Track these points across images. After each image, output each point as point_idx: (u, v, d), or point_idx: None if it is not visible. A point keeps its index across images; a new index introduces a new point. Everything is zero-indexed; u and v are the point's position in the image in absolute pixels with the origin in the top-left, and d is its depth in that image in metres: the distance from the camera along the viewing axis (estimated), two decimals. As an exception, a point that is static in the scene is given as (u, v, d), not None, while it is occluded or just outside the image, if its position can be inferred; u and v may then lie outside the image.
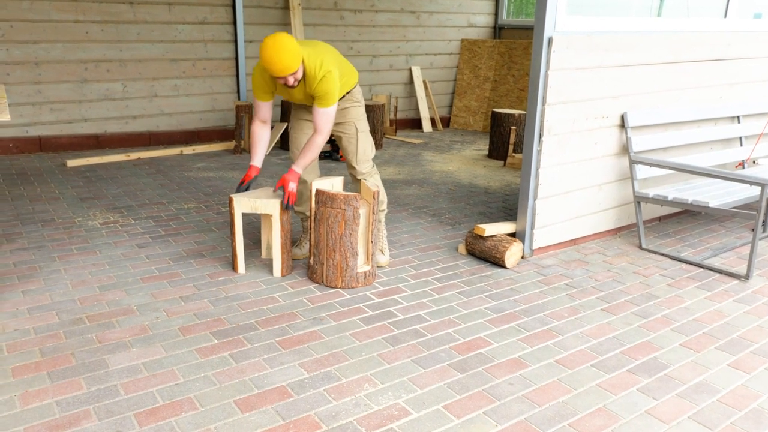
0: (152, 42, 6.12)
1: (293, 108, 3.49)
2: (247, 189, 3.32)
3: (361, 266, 3.25)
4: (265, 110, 3.31)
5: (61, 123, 5.89)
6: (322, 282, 3.23)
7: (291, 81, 3.05)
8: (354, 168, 3.48)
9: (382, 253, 3.54)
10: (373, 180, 3.51)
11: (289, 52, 2.93)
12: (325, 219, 3.11)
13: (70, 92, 5.86)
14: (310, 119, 3.40)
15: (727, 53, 4.40)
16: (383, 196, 3.59)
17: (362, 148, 3.44)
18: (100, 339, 2.63)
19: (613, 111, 3.86)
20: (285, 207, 3.19)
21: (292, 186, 3.19)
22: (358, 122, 3.42)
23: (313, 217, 3.23)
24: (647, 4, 4.48)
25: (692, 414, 2.28)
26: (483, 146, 7.05)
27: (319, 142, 3.19)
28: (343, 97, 3.35)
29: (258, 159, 3.35)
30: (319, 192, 3.13)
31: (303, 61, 3.08)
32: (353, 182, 3.58)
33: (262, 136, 3.34)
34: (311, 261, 3.29)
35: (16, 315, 2.80)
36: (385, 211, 3.65)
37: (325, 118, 3.15)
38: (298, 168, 3.23)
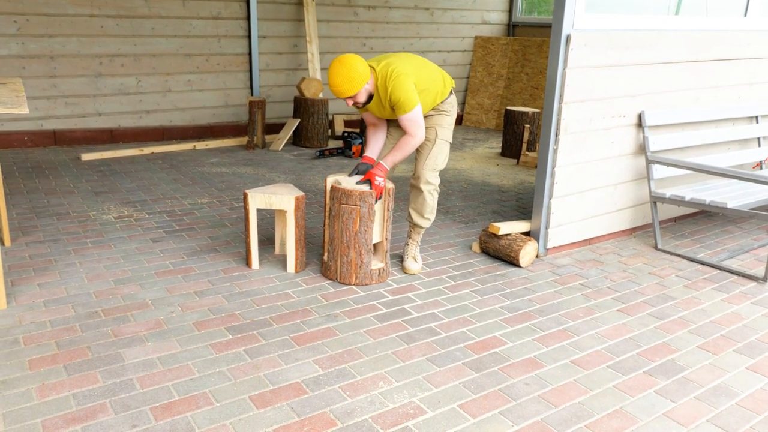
0: (166, 37, 6.14)
1: (389, 132, 3.42)
2: (361, 172, 3.23)
3: (376, 263, 3.24)
4: (368, 115, 3.30)
5: (76, 117, 5.92)
6: (336, 278, 3.23)
7: (350, 103, 3.07)
8: (418, 174, 3.30)
9: (415, 260, 3.45)
10: (431, 197, 3.33)
11: (348, 78, 2.93)
12: (339, 215, 3.11)
13: (84, 86, 5.88)
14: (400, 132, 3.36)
15: (747, 52, 4.34)
16: (431, 215, 3.39)
17: (435, 154, 3.27)
18: (116, 333, 2.63)
19: (630, 110, 3.83)
20: (375, 201, 3.10)
21: (379, 180, 3.10)
22: (441, 129, 3.29)
23: (327, 214, 3.23)
24: (665, 3, 4.43)
25: (711, 417, 2.26)
26: (496, 144, 7.02)
27: (411, 143, 3.11)
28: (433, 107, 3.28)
29: (369, 152, 3.30)
30: (334, 188, 3.12)
31: (375, 79, 3.05)
32: (411, 190, 3.39)
33: (373, 135, 3.32)
34: (325, 257, 3.29)
35: (33, 308, 2.81)
36: (425, 229, 3.46)
37: (409, 122, 3.09)
38: (386, 164, 3.14)
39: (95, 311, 2.81)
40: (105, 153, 5.58)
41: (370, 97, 3.11)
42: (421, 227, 3.45)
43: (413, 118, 3.07)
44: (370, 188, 3.08)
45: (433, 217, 3.44)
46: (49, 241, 3.59)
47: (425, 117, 3.25)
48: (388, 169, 3.16)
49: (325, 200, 3.24)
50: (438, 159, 3.30)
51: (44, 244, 3.55)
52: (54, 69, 5.70)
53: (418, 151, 3.33)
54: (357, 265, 3.15)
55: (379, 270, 3.23)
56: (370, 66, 3.08)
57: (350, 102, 3.05)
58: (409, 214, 3.45)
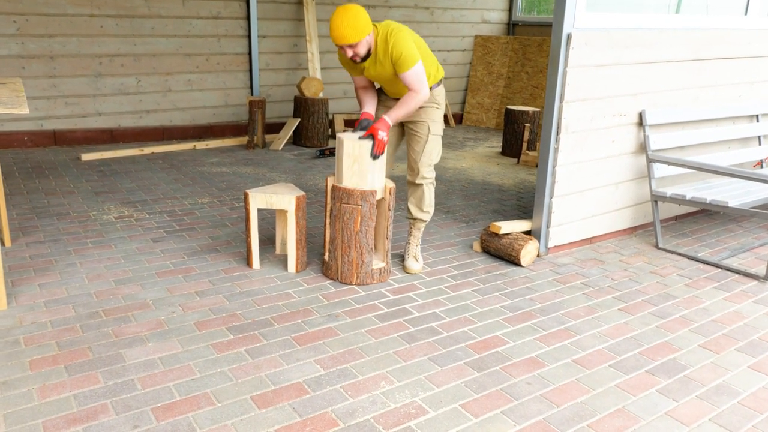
0: (166, 36, 6.13)
1: (377, 109, 3.40)
2: (364, 128, 3.20)
3: (377, 263, 3.24)
4: (360, 79, 3.28)
5: (76, 117, 5.92)
6: (337, 278, 3.22)
7: (350, 53, 3.02)
8: (414, 170, 3.33)
9: (416, 260, 3.44)
10: (429, 189, 3.39)
11: (352, 24, 2.91)
12: (341, 215, 3.10)
13: (84, 86, 5.88)
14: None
15: (747, 51, 4.34)
16: (430, 208, 3.44)
17: (429, 150, 3.29)
18: (117, 333, 2.63)
19: (631, 109, 3.82)
20: (373, 156, 3.06)
21: (382, 134, 3.07)
22: (433, 124, 3.29)
23: (328, 213, 3.22)
24: (665, 2, 4.42)
25: (713, 416, 2.26)
26: (496, 143, 7.01)
27: (417, 99, 3.08)
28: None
29: (367, 107, 3.28)
30: (335, 188, 3.12)
31: (375, 36, 3.04)
32: (408, 187, 3.42)
33: (366, 94, 3.30)
34: (326, 257, 3.29)
35: (33, 308, 2.81)
36: (427, 222, 3.50)
37: (413, 78, 3.05)
38: (389, 119, 3.10)
39: (96, 311, 2.80)
40: (105, 153, 5.58)
41: (368, 55, 3.09)
42: (422, 221, 3.46)
43: (416, 73, 3.05)
44: (373, 142, 3.06)
45: (432, 210, 3.46)
46: (49, 242, 3.59)
47: (419, 108, 3.24)
48: (391, 124, 3.13)
49: (326, 199, 3.24)
50: (432, 154, 3.33)
51: (44, 244, 3.55)
52: (54, 69, 5.70)
53: (411, 147, 3.34)
54: (358, 264, 3.15)
55: (380, 269, 3.22)
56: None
57: (350, 52, 3.01)
58: (408, 210, 3.46)
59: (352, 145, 3.05)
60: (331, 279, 3.25)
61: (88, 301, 2.90)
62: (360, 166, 3.06)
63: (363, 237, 3.11)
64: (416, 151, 3.32)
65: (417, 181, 3.35)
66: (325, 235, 3.29)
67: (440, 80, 3.30)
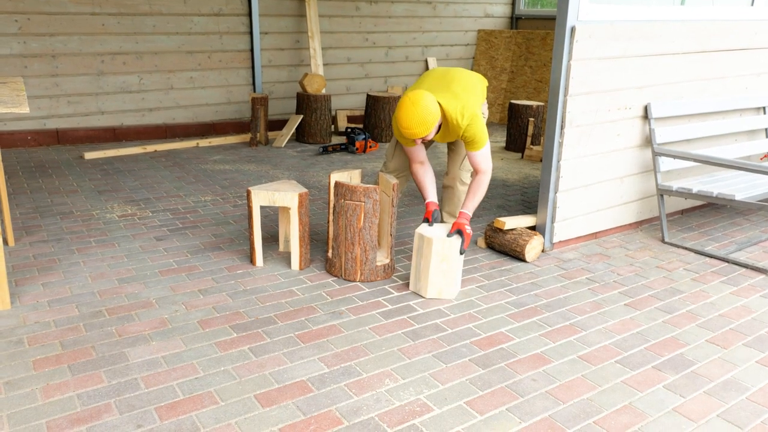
0: (168, 34, 6.11)
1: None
2: (435, 219, 3.15)
3: (381, 259, 3.22)
4: (418, 152, 3.19)
5: (78, 116, 5.91)
6: (341, 275, 3.21)
7: (419, 142, 3.04)
8: (454, 175, 3.40)
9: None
10: (464, 188, 3.45)
11: (423, 119, 2.84)
12: (344, 212, 3.08)
13: (87, 85, 5.87)
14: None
15: (754, 42, 4.29)
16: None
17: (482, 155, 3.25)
18: (120, 332, 2.62)
19: (636, 102, 3.79)
20: (461, 252, 2.99)
21: (469, 229, 3.03)
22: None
23: (331, 210, 3.20)
24: (670, -7, 4.38)
25: (721, 412, 2.23)
26: (500, 138, 6.98)
27: (484, 181, 3.09)
28: None
29: (431, 194, 3.22)
30: (338, 184, 3.10)
31: (443, 112, 2.98)
32: (444, 190, 3.53)
33: (425, 175, 3.24)
34: (329, 254, 3.27)
35: (37, 307, 2.80)
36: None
37: (482, 158, 3.07)
38: (469, 211, 3.08)
39: (99, 310, 2.80)
40: (108, 151, 5.57)
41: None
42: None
43: (485, 154, 3.08)
44: (462, 238, 2.99)
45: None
46: (52, 241, 3.58)
47: None
48: (471, 215, 3.09)
49: (329, 197, 3.22)
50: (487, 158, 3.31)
51: (48, 243, 3.54)
52: (56, 68, 5.69)
53: (452, 150, 3.40)
54: (362, 261, 3.13)
55: (384, 266, 3.20)
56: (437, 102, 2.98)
57: (419, 141, 3.01)
58: (443, 219, 3.56)
59: (441, 244, 2.93)
60: (335, 276, 3.24)
61: (91, 300, 2.90)
62: (448, 264, 2.97)
63: (366, 234, 3.09)
64: (458, 155, 3.40)
65: (456, 185, 3.48)
66: (328, 233, 3.28)
67: (485, 94, 3.29)
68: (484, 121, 3.19)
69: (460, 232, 3.00)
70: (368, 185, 3.04)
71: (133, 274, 3.18)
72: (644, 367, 2.50)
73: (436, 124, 2.93)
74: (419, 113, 2.84)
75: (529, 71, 7.75)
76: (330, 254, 3.26)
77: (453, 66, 8.04)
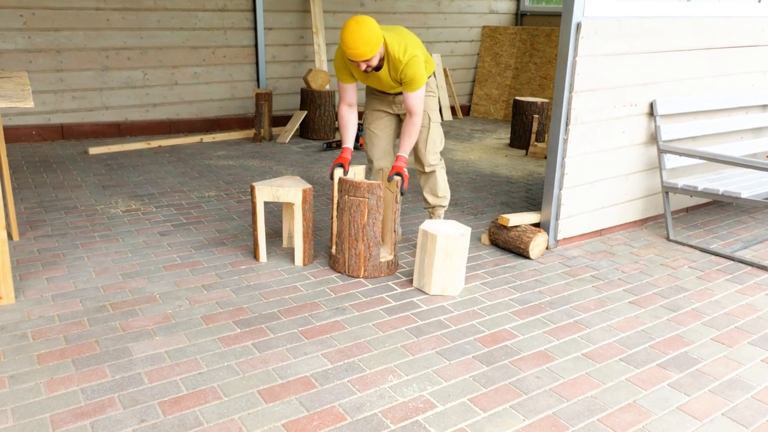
0: (172, 29, 6.11)
1: (369, 101, 3.46)
2: (346, 174, 3.24)
3: (384, 255, 3.22)
4: (350, 93, 3.30)
5: (83, 111, 5.92)
6: (345, 271, 3.20)
7: (363, 66, 3.03)
8: (421, 160, 3.46)
9: None
10: (440, 174, 3.52)
11: (368, 39, 2.91)
12: (347, 208, 3.08)
13: (91, 80, 5.87)
14: (387, 111, 3.42)
15: (761, 39, 4.26)
16: (446, 192, 3.59)
17: (433, 139, 3.41)
18: (124, 327, 2.62)
19: (641, 99, 3.77)
20: (402, 193, 3.17)
21: (406, 170, 3.20)
22: (432, 112, 3.40)
23: (335, 206, 3.20)
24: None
25: (726, 411, 2.22)
26: (504, 135, 6.96)
27: (417, 123, 3.19)
28: None
29: (350, 141, 3.33)
30: (342, 181, 3.09)
31: (386, 47, 3.05)
32: (420, 177, 3.57)
33: (350, 120, 3.34)
34: (333, 250, 3.27)
35: (41, 302, 2.81)
36: (445, 207, 3.66)
37: (416, 100, 3.15)
38: (404, 153, 3.22)
39: (103, 305, 2.80)
40: (112, 147, 5.57)
41: (379, 66, 3.11)
42: (441, 206, 3.60)
43: (419, 96, 3.15)
44: (402, 179, 3.14)
45: (448, 195, 3.61)
46: (57, 235, 3.59)
47: None
48: (407, 157, 3.23)
49: (333, 192, 3.21)
50: (436, 141, 3.44)
51: (52, 238, 3.55)
52: (61, 63, 5.69)
53: (415, 147, 3.43)
54: (366, 257, 3.13)
55: (387, 262, 3.20)
56: None
57: (363, 65, 3.02)
58: (425, 200, 3.62)
59: (445, 240, 2.93)
60: (339, 272, 3.23)
61: (95, 294, 2.90)
62: (452, 261, 2.96)
63: (370, 230, 3.08)
64: (420, 140, 3.41)
65: (426, 170, 3.49)
66: (332, 228, 3.27)
67: (433, 72, 3.37)
68: (437, 99, 3.41)
69: (399, 174, 3.16)
70: (372, 182, 3.04)
71: (137, 269, 3.18)
72: (649, 365, 2.49)
73: (380, 49, 2.99)
74: (364, 33, 2.89)
75: (533, 68, 7.72)
76: (334, 250, 3.26)
77: (456, 63, 8.01)
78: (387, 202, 3.24)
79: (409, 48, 3.06)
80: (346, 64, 3.18)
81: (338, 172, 3.22)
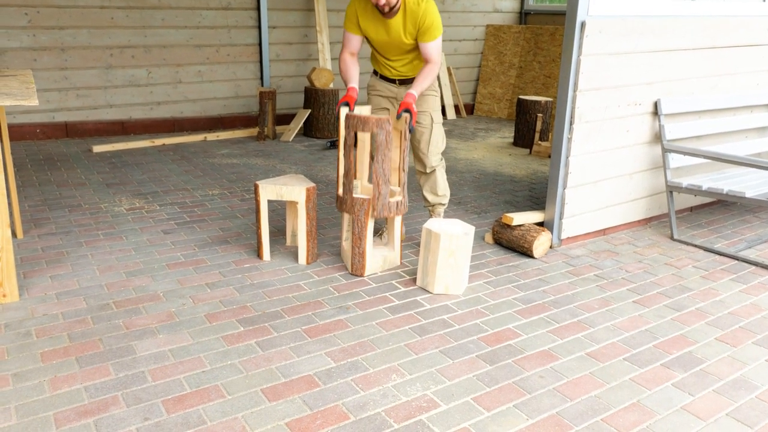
0: (176, 28, 6.12)
1: (373, 98, 3.44)
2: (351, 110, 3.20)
3: (394, 195, 3.18)
4: (354, 43, 3.30)
5: (87, 109, 5.93)
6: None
7: (382, 2, 3.01)
8: (422, 161, 3.45)
9: None
10: (440, 173, 3.52)
11: None
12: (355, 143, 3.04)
13: (95, 78, 5.88)
14: (392, 109, 3.42)
15: (766, 38, 4.25)
16: (445, 191, 3.58)
17: (435, 139, 3.40)
18: (128, 325, 2.63)
19: (646, 98, 3.76)
20: (410, 129, 3.14)
21: (416, 107, 3.18)
22: (434, 113, 3.39)
23: (343, 144, 3.13)
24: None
25: (730, 411, 2.22)
26: (508, 134, 6.95)
27: (435, 69, 3.19)
28: None
29: (355, 81, 3.30)
30: (349, 116, 3.03)
31: None
32: (420, 177, 3.55)
33: (353, 63, 3.33)
34: (340, 192, 3.21)
35: (45, 300, 2.81)
36: (445, 206, 3.65)
37: (434, 50, 3.16)
38: (416, 92, 3.18)
39: (107, 303, 2.81)
40: (116, 145, 5.59)
41: (393, 12, 3.09)
42: (441, 205, 3.59)
43: (439, 45, 3.17)
44: (410, 115, 3.11)
45: (448, 193, 3.60)
46: (61, 233, 3.59)
47: (419, 96, 3.33)
48: (417, 96, 3.20)
49: (339, 129, 3.16)
50: (438, 142, 3.44)
51: (56, 236, 3.56)
52: (65, 61, 5.71)
53: (416, 139, 3.42)
54: (374, 197, 3.05)
55: (397, 203, 3.13)
56: None
57: (382, 1, 3.00)
58: (425, 198, 3.61)
59: (449, 239, 2.91)
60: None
61: (99, 292, 2.90)
62: (456, 260, 2.95)
63: (379, 167, 3.01)
64: (423, 141, 3.40)
65: (428, 171, 3.48)
66: (338, 169, 3.21)
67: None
68: (439, 99, 3.42)
69: (408, 111, 3.12)
70: (381, 116, 2.99)
71: (140, 268, 3.19)
72: (653, 365, 2.49)
73: None
74: None
75: (537, 67, 7.71)
76: (340, 192, 3.18)
77: (460, 61, 8.00)
78: (395, 141, 3.20)
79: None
80: (357, 14, 3.19)
81: (344, 110, 3.17)
